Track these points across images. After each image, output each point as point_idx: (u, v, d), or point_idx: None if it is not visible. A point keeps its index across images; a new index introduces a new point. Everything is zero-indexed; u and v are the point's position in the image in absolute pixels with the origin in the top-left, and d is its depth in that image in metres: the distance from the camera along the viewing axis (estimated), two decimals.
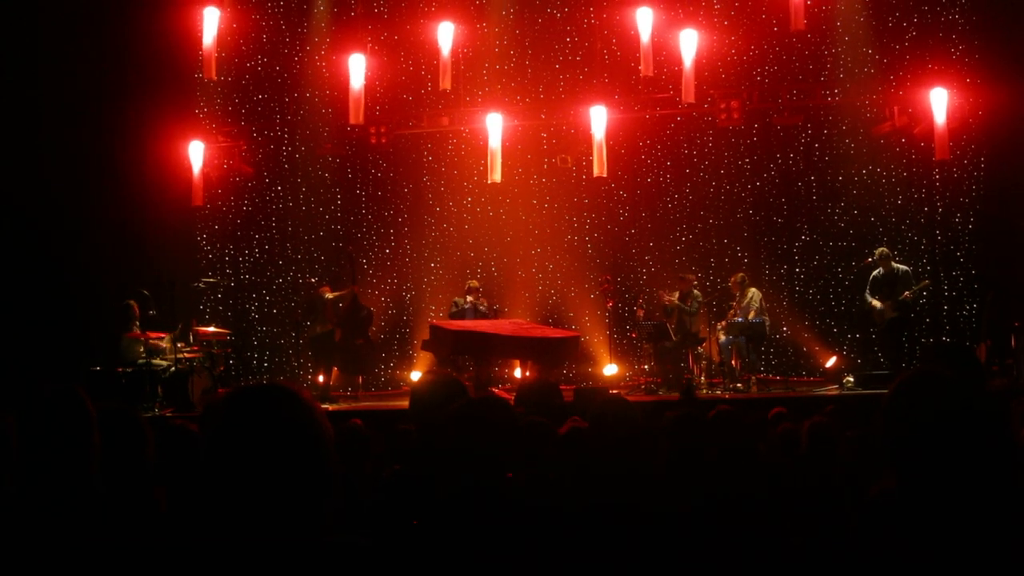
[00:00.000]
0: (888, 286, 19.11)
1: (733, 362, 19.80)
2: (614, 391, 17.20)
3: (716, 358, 20.04)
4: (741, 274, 20.53)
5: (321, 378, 20.84)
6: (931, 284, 19.97)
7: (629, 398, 7.38)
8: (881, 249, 19.58)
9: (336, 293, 20.59)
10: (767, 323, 19.94)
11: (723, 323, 20.09)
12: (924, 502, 3.68)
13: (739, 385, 19.12)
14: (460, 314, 20.65)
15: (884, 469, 3.91)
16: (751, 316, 19.64)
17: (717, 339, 20.04)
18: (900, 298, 18.87)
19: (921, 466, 3.71)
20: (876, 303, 19.25)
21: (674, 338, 19.74)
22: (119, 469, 4.51)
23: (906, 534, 3.66)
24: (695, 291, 20.36)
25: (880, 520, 3.79)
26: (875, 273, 19.40)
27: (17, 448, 4.11)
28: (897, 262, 19.50)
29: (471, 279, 21.64)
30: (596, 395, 14.15)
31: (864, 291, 19.60)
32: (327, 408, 15.40)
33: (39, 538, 3.75)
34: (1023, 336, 17.33)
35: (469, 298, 20.85)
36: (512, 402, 10.72)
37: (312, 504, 3.07)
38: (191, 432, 5.55)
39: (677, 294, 20.26)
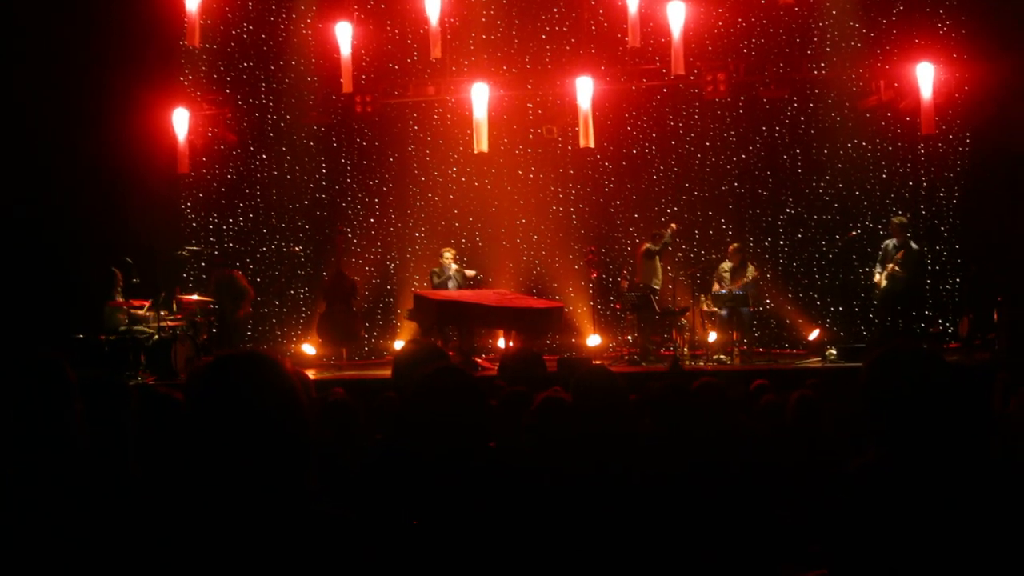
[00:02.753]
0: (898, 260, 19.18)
1: (734, 334, 19.83)
2: (597, 361, 17.26)
3: (700, 329, 20.08)
4: (739, 244, 20.61)
5: (306, 346, 21.07)
6: (907, 256, 19.85)
7: (612, 369, 7.40)
8: (899, 219, 19.61)
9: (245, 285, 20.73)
10: (750, 296, 19.96)
11: (708, 296, 20.13)
12: (904, 473, 3.70)
13: (722, 356, 19.15)
14: (444, 284, 20.68)
15: (865, 441, 3.94)
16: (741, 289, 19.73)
17: (702, 310, 20.09)
18: (891, 272, 18.98)
19: (899, 438, 3.73)
20: (879, 272, 19.36)
21: (657, 308, 19.77)
22: (102, 436, 4.50)
23: (887, 504, 3.68)
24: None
25: (862, 491, 3.81)
26: (887, 243, 19.43)
27: None
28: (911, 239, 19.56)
29: (446, 248, 21.58)
30: (579, 365, 14.18)
31: (876, 262, 19.70)
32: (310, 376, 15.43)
33: (23, 507, 3.74)
34: (1005, 310, 17.37)
35: (455, 265, 20.88)
36: (495, 372, 10.73)
37: (292, 471, 3.08)
38: (175, 400, 5.54)
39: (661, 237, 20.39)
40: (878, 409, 3.81)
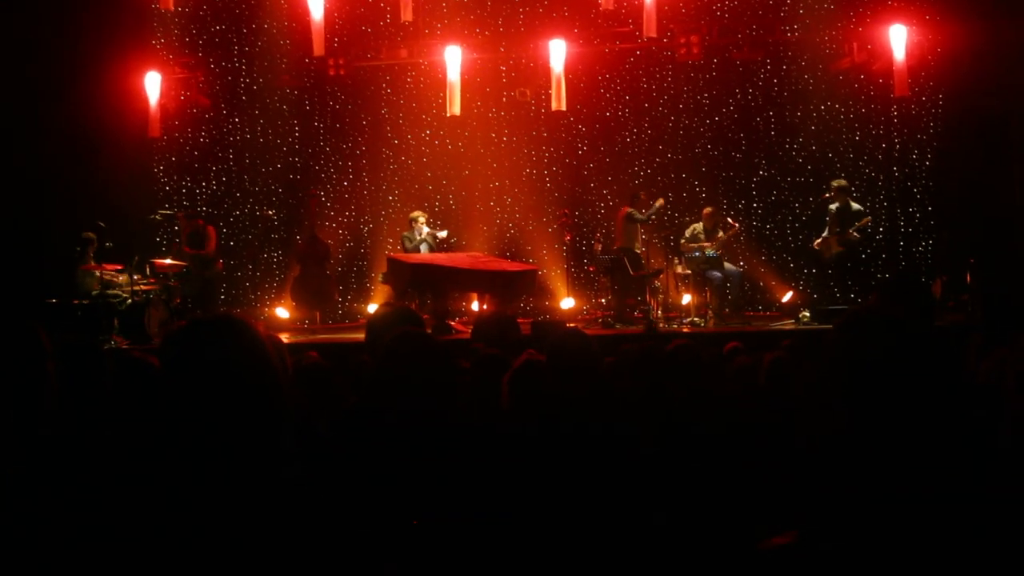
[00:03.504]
0: (841, 222, 19.25)
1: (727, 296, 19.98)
2: (571, 324, 17.27)
3: (673, 292, 20.11)
4: (713, 208, 20.63)
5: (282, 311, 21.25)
6: (871, 222, 19.99)
7: (586, 331, 7.41)
8: (839, 182, 19.68)
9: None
10: (724, 256, 20.01)
11: (682, 259, 20.11)
12: (875, 438, 3.71)
13: (696, 319, 19.17)
14: (416, 248, 20.71)
15: (835, 405, 3.95)
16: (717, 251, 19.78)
17: (676, 273, 20.11)
18: (845, 236, 19.04)
19: (867, 403, 3.74)
20: (824, 236, 19.43)
21: (631, 270, 19.77)
22: (77, 400, 4.50)
23: (857, 470, 3.70)
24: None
25: (830, 455, 3.83)
26: (831, 207, 19.51)
27: None
28: (854, 199, 19.65)
29: (417, 211, 21.59)
30: (553, 328, 14.19)
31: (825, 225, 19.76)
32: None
33: None
34: (978, 272, 17.43)
35: (427, 228, 20.88)
36: (469, 335, 10.74)
37: (267, 435, 3.09)
38: (149, 364, 5.54)
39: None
40: (844, 374, 3.82)
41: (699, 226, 20.23)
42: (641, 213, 20.22)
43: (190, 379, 3.07)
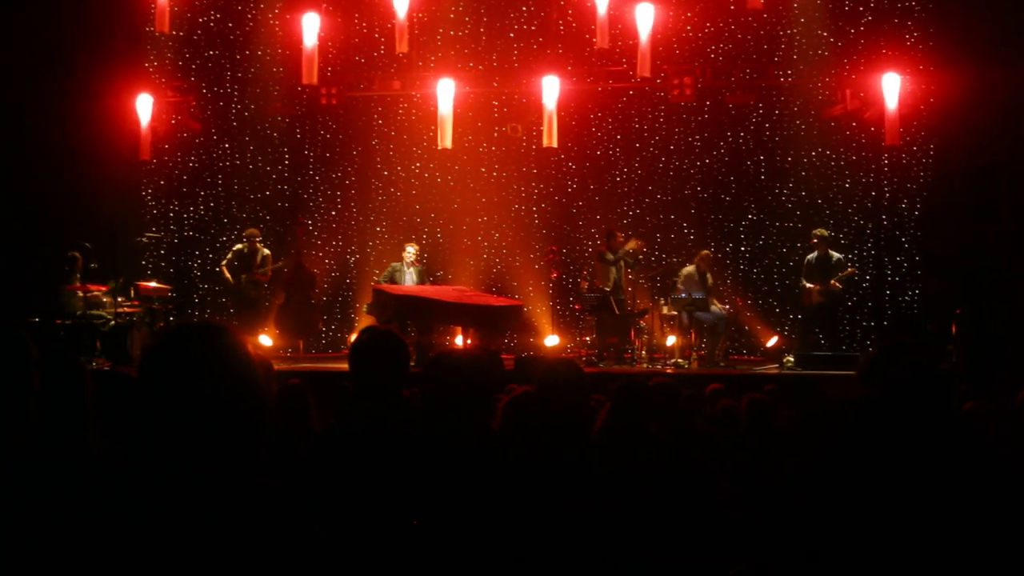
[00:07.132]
0: (821, 271, 19.30)
1: (692, 338, 19.91)
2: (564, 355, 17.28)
3: (658, 333, 20.11)
4: (708, 252, 20.68)
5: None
6: (856, 273, 20.10)
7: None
8: (820, 231, 19.73)
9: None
10: (708, 300, 19.96)
11: (667, 300, 20.10)
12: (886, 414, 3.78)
13: (680, 361, 19.16)
14: (394, 279, 20.69)
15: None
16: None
17: (661, 314, 20.11)
18: (827, 287, 19.06)
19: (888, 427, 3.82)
20: (807, 285, 19.46)
21: (616, 310, 19.76)
22: (57, 412, 4.46)
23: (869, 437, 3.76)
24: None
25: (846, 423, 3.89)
26: (809, 257, 19.62)
27: None
28: (833, 249, 19.69)
29: (410, 244, 21.53)
30: (538, 363, 14.16)
31: (801, 274, 19.81)
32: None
33: None
34: (963, 323, 17.43)
35: (414, 264, 20.83)
36: None
37: (246, 443, 3.05)
38: (127, 376, 5.49)
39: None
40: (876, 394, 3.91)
41: (692, 269, 20.17)
42: (611, 254, 20.18)
43: (171, 380, 3.02)
